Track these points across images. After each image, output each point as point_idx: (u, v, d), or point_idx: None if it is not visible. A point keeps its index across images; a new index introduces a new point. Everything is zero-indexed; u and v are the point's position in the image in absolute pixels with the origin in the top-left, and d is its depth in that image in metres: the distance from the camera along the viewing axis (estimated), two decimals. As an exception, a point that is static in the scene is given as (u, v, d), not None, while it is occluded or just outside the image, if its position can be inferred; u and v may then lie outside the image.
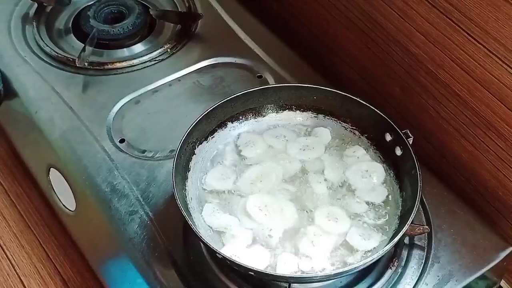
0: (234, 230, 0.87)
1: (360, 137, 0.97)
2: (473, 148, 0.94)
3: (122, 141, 1.03)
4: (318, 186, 0.91)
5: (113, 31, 1.19)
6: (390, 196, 0.90)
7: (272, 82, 1.11)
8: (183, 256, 0.89)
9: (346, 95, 0.95)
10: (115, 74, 1.14)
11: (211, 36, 1.21)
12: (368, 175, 0.92)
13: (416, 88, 0.99)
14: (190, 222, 0.81)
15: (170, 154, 0.99)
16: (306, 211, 0.89)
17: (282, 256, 0.84)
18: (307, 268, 0.83)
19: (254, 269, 0.78)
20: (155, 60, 1.16)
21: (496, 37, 0.81)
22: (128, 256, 0.91)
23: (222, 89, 1.11)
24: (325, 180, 0.92)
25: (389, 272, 0.87)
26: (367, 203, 0.90)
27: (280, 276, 0.81)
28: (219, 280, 0.87)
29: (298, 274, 0.82)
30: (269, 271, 0.82)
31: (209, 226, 0.88)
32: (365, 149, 0.95)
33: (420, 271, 0.88)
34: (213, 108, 0.94)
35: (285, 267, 0.83)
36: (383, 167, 0.93)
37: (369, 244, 0.85)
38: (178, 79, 1.13)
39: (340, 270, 0.80)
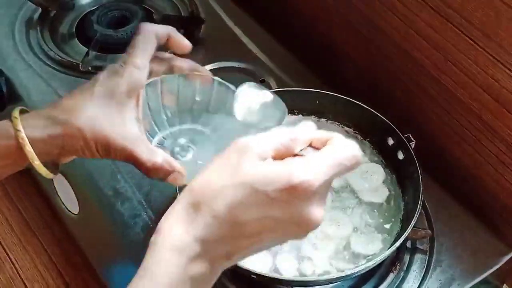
0: (236, 234, 0.87)
1: (362, 141, 0.97)
2: (475, 153, 0.94)
3: (125, 145, 1.04)
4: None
5: (117, 35, 1.19)
6: (392, 199, 0.91)
7: (274, 87, 1.11)
8: (185, 260, 0.89)
9: (348, 99, 0.95)
10: (118, 78, 1.15)
11: (214, 41, 1.22)
12: (369, 175, 0.92)
13: (417, 92, 1.00)
14: (193, 226, 0.81)
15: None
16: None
17: (283, 258, 0.84)
18: (309, 271, 0.83)
19: (256, 272, 0.78)
20: (158, 65, 1.17)
21: (498, 42, 0.81)
22: (131, 259, 0.91)
23: (225, 93, 1.11)
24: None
25: (391, 276, 0.87)
26: (369, 204, 0.90)
27: (282, 279, 0.82)
28: (221, 284, 0.87)
29: (301, 278, 0.82)
30: (272, 274, 0.82)
31: (211, 229, 0.88)
32: (363, 151, 0.96)
33: (422, 275, 0.88)
34: (216, 112, 0.94)
35: (286, 270, 0.83)
36: (383, 168, 0.94)
37: (371, 248, 0.85)
38: (181, 83, 1.13)
39: (342, 274, 0.80)
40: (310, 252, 0.85)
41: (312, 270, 0.83)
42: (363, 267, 0.79)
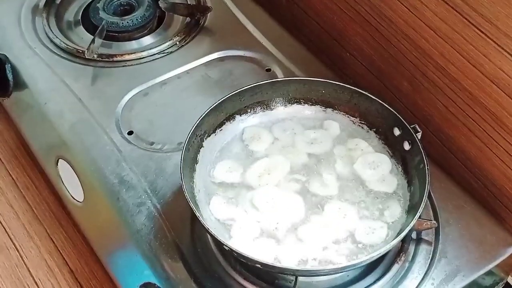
0: (241, 223, 0.87)
1: (368, 131, 0.97)
2: (481, 144, 0.94)
3: (130, 133, 1.04)
4: (326, 179, 0.91)
5: (123, 23, 1.19)
6: (398, 190, 0.90)
7: (280, 76, 1.11)
8: (190, 248, 0.89)
9: (354, 89, 0.95)
10: (124, 66, 1.15)
11: (220, 29, 1.21)
12: (376, 165, 0.92)
13: (424, 82, 0.99)
14: (197, 214, 0.81)
15: (178, 147, 0.99)
16: (314, 204, 0.89)
17: (285, 248, 0.84)
18: (303, 256, 0.83)
19: (261, 261, 0.78)
20: (164, 53, 1.17)
21: (506, 32, 0.81)
22: (136, 247, 0.92)
23: (231, 82, 1.11)
24: (333, 173, 0.92)
25: (396, 267, 0.87)
26: (378, 194, 0.90)
27: (287, 268, 0.82)
28: (225, 272, 0.87)
29: (305, 267, 0.82)
30: (276, 263, 0.82)
31: (216, 218, 0.88)
32: (366, 141, 0.95)
33: (427, 266, 0.88)
34: (222, 100, 0.94)
35: (288, 258, 0.83)
36: (389, 158, 0.93)
37: (376, 238, 0.85)
38: (187, 71, 1.13)
39: (348, 264, 0.80)
40: (307, 237, 0.85)
41: (305, 256, 0.83)
42: (368, 257, 0.79)
